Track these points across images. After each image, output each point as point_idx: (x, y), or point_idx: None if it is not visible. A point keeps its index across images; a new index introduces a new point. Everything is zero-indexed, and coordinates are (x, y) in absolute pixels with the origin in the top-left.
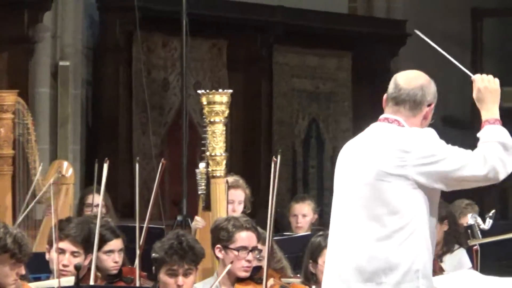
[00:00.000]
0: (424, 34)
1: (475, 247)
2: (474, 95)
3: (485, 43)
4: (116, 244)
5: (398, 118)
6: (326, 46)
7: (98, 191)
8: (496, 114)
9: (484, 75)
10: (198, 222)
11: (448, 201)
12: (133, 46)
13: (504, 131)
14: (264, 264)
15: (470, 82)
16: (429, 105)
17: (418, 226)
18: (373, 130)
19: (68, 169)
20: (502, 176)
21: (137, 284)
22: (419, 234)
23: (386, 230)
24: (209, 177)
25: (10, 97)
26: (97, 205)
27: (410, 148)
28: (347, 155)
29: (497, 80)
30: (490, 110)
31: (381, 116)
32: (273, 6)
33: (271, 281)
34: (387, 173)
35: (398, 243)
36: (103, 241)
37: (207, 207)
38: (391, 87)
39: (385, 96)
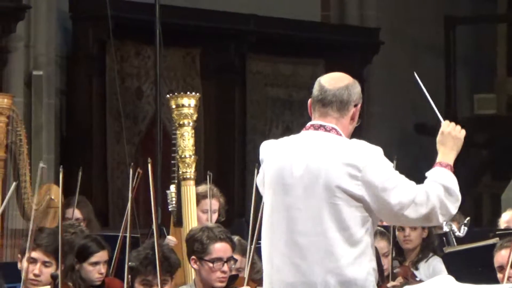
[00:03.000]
0: (398, 42)
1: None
2: (438, 137)
3: (458, 50)
4: (102, 255)
5: (335, 127)
6: (299, 54)
7: (77, 206)
8: (450, 160)
9: (453, 123)
10: (170, 240)
11: None
12: (106, 55)
13: (453, 177)
14: (246, 273)
15: (441, 92)
16: (355, 105)
17: (366, 246)
18: (313, 139)
19: (57, 192)
20: (440, 219)
21: None
22: (367, 255)
23: (337, 248)
24: (180, 196)
25: (5, 100)
26: (77, 219)
27: (361, 166)
28: (285, 161)
29: (463, 131)
30: (446, 155)
31: (314, 123)
32: (246, 15)
33: None
34: (336, 186)
35: (350, 262)
36: (89, 252)
37: (179, 222)
38: (315, 90)
39: (309, 100)
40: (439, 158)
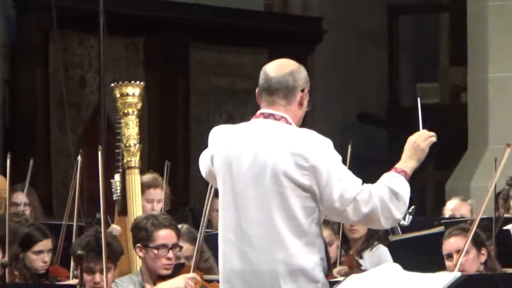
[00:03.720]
0: (341, 32)
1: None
2: (407, 142)
3: (401, 40)
4: (45, 244)
5: (284, 115)
6: (243, 43)
7: (22, 190)
8: (407, 168)
9: (428, 133)
10: (115, 229)
11: None
12: (49, 45)
13: (404, 183)
14: (192, 262)
15: (384, 81)
16: (302, 90)
17: (314, 236)
18: (262, 128)
19: (2, 182)
20: (382, 223)
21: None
22: (315, 244)
23: (285, 237)
24: (124, 185)
25: None
26: (24, 204)
27: (309, 156)
28: (234, 151)
29: (428, 143)
30: (405, 162)
31: (264, 111)
32: (189, 4)
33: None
34: (284, 174)
35: (297, 252)
36: (32, 241)
37: (123, 211)
38: (261, 79)
39: (257, 90)
40: (398, 164)
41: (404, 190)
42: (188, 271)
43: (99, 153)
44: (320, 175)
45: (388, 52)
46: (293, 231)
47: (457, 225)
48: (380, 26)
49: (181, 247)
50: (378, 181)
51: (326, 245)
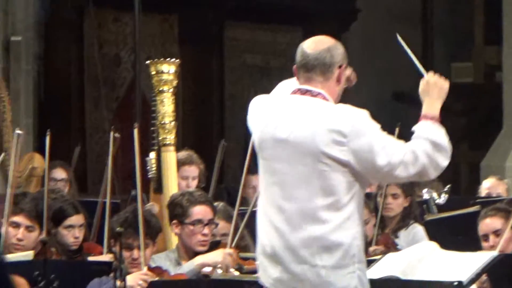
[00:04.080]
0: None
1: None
2: (420, 87)
3: (435, 19)
4: (76, 219)
5: (321, 91)
6: (277, 21)
7: (63, 166)
8: (436, 111)
9: (436, 75)
10: (153, 207)
11: None
12: (84, 21)
13: (440, 129)
14: (229, 239)
15: (419, 60)
16: (339, 67)
17: (354, 211)
18: (299, 104)
19: (39, 161)
20: (432, 175)
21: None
22: (355, 219)
23: (323, 213)
24: (159, 162)
25: None
26: (60, 180)
27: (346, 131)
28: (271, 127)
29: (447, 82)
30: (432, 105)
31: (301, 87)
32: None
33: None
34: (322, 152)
35: (335, 227)
36: (63, 216)
37: (159, 189)
38: (298, 55)
39: (294, 67)
40: (424, 110)
41: (443, 136)
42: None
43: (135, 130)
44: (360, 147)
45: (422, 31)
46: (331, 207)
47: (493, 205)
48: (415, 5)
49: (216, 224)
50: (415, 136)
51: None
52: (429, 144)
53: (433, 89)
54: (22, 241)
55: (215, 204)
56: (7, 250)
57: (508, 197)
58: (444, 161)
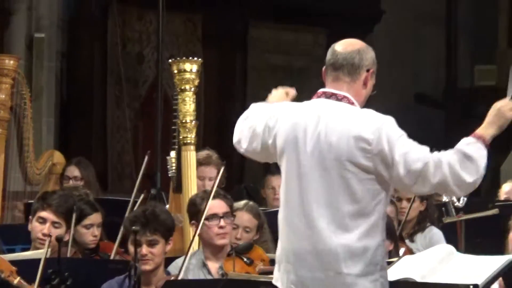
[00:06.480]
0: (399, 13)
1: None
2: (491, 109)
3: (459, 21)
4: (95, 218)
5: (347, 95)
6: (301, 22)
7: (77, 164)
8: (488, 134)
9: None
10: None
11: None
12: (108, 19)
13: (480, 148)
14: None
15: (443, 62)
16: (368, 70)
17: (378, 218)
18: (325, 109)
19: (59, 158)
20: (455, 190)
21: None
22: (379, 226)
23: (348, 220)
24: (180, 162)
25: (11, 62)
26: (72, 177)
27: (371, 138)
28: (297, 131)
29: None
30: (486, 128)
31: (326, 90)
32: None
33: (260, 266)
34: (347, 160)
35: (361, 234)
36: (82, 215)
37: (178, 188)
38: (328, 54)
39: (323, 68)
40: (478, 129)
41: (479, 154)
42: (258, 252)
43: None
44: (385, 155)
45: (446, 33)
46: (357, 214)
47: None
48: (439, 7)
49: (234, 216)
50: (456, 146)
51: (390, 219)
52: (459, 156)
53: (496, 115)
54: (47, 236)
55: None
56: (33, 245)
57: None
58: (469, 177)
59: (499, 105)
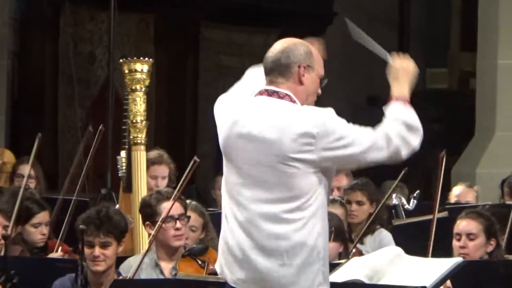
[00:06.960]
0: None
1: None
2: (390, 72)
3: (412, 24)
4: (43, 216)
5: (288, 93)
6: (253, 23)
7: (32, 163)
8: (406, 92)
9: (401, 56)
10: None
11: (376, 183)
12: (60, 19)
13: (411, 111)
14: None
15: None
16: (299, 66)
17: (319, 209)
18: (266, 106)
19: (9, 157)
20: (404, 156)
21: None
22: (319, 217)
23: (289, 213)
24: (130, 162)
25: None
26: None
27: (315, 132)
28: (237, 129)
29: (413, 64)
30: (400, 87)
31: (268, 88)
32: None
33: (211, 266)
34: (291, 157)
35: (300, 226)
36: (30, 214)
37: (128, 188)
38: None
39: None
40: (394, 92)
41: (414, 117)
42: (212, 255)
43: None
44: (331, 145)
45: (399, 35)
46: (296, 207)
47: (476, 208)
48: (392, 9)
49: (189, 217)
50: (388, 117)
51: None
52: (401, 125)
53: (401, 73)
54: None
55: (187, 201)
56: None
57: (476, 204)
58: (416, 141)
59: (397, 65)
